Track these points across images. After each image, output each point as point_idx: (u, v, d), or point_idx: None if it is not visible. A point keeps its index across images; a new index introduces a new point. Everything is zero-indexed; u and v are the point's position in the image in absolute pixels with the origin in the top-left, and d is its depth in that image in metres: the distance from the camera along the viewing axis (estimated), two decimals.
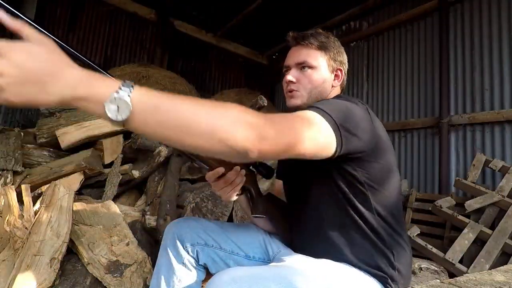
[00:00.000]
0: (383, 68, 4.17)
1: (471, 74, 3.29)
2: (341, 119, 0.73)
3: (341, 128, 0.72)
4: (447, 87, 3.42)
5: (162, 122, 0.52)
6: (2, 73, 0.44)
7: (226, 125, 0.54)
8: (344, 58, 1.03)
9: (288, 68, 0.99)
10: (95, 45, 4.55)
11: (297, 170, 0.98)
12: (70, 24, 4.37)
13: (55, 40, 0.52)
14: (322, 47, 0.97)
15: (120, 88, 0.50)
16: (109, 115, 0.48)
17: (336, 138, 0.71)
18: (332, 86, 1.00)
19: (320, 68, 0.96)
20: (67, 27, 4.35)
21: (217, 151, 0.56)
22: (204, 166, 0.80)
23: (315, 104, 0.76)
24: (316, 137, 0.68)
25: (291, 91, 0.96)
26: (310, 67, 0.95)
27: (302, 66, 0.96)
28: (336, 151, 0.72)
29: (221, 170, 0.80)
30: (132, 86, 0.51)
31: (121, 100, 0.49)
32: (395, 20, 4.04)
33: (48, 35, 0.52)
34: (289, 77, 0.96)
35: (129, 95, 0.49)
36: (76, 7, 4.43)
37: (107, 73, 0.59)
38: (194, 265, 0.97)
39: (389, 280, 0.82)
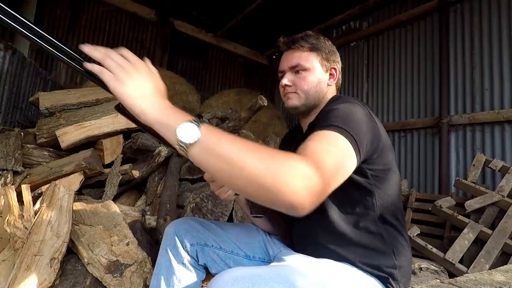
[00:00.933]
0: (383, 68, 4.17)
1: (471, 74, 3.29)
2: (357, 134, 0.73)
3: (359, 144, 0.73)
4: (447, 87, 3.42)
5: (220, 154, 0.55)
6: (131, 74, 0.60)
7: (275, 176, 0.54)
8: (337, 56, 1.03)
9: (283, 73, 1.00)
10: (95, 45, 4.54)
11: None
12: (70, 24, 4.38)
13: (51, 40, 0.58)
14: (314, 49, 0.97)
15: (191, 120, 0.57)
16: (179, 137, 0.55)
17: (356, 155, 0.72)
18: (328, 85, 1.00)
19: (314, 70, 0.97)
20: (67, 27, 4.35)
21: (265, 199, 0.56)
22: None
23: (333, 120, 0.75)
24: (345, 171, 0.69)
25: (287, 93, 0.98)
26: (304, 69, 0.96)
27: (296, 69, 0.97)
28: (354, 167, 0.74)
29: None
30: (201, 121, 0.58)
31: (191, 127, 0.56)
32: (395, 20, 4.04)
33: (46, 35, 0.58)
34: (285, 81, 0.97)
35: (197, 126, 0.56)
36: (76, 7, 4.43)
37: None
38: (194, 265, 0.97)
39: (390, 279, 0.83)
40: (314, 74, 0.97)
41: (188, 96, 4.61)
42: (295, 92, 0.97)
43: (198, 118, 0.59)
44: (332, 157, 0.65)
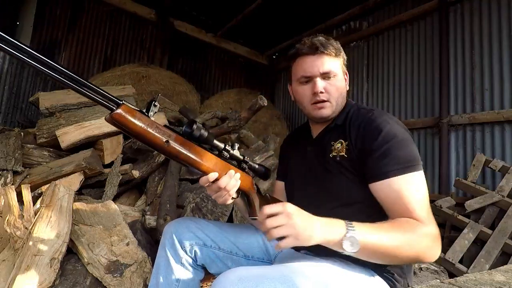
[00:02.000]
0: (383, 68, 4.17)
1: (471, 74, 3.29)
2: (416, 157, 0.85)
3: (420, 163, 0.85)
4: (447, 87, 3.42)
5: (377, 252, 0.73)
6: (292, 213, 0.70)
7: (423, 255, 0.75)
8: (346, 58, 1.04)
9: (310, 78, 0.95)
10: (95, 45, 4.55)
11: (306, 169, 0.99)
12: (70, 24, 4.37)
13: (49, 62, 0.60)
14: (338, 54, 0.97)
15: (347, 230, 0.71)
16: (346, 249, 0.70)
17: (423, 171, 0.85)
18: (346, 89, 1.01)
19: (339, 75, 0.97)
20: (67, 27, 4.35)
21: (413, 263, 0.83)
22: (198, 172, 0.79)
23: (394, 162, 0.82)
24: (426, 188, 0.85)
25: (321, 101, 0.94)
26: (334, 75, 0.95)
27: (328, 75, 0.94)
28: None
29: (214, 175, 0.79)
30: (353, 227, 0.71)
31: (352, 238, 0.70)
32: (395, 20, 4.04)
33: (50, 62, 0.61)
34: (319, 88, 0.93)
35: (354, 236, 0.70)
36: (76, 7, 4.42)
37: (115, 97, 0.68)
38: (193, 265, 0.97)
39: (396, 276, 0.83)
40: (341, 80, 0.97)
41: (188, 96, 4.61)
42: (327, 101, 0.94)
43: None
44: (427, 198, 0.82)
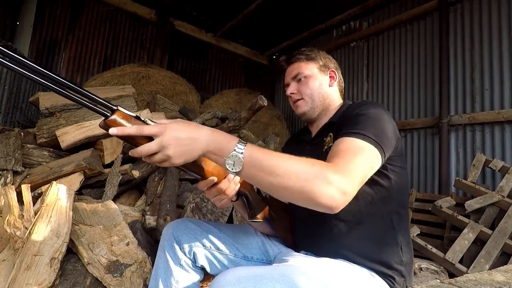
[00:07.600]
0: (383, 68, 4.17)
1: (471, 74, 3.29)
2: (379, 137, 0.80)
3: (382, 146, 0.80)
4: (447, 87, 3.42)
5: (263, 176, 0.67)
6: (167, 146, 0.64)
7: (313, 187, 0.66)
8: (334, 63, 1.12)
9: (288, 85, 1.10)
10: (95, 45, 4.55)
11: None
12: (70, 24, 4.37)
13: (48, 72, 0.60)
14: (310, 58, 1.08)
15: (237, 146, 0.67)
16: (228, 167, 0.67)
17: (380, 155, 0.79)
18: (330, 87, 1.08)
19: (313, 75, 1.06)
20: (67, 27, 4.35)
21: (306, 204, 0.69)
22: (197, 176, 0.78)
23: (355, 128, 0.80)
24: (371, 166, 0.78)
25: (295, 101, 1.07)
26: (305, 76, 1.06)
27: (298, 78, 1.07)
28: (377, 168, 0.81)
29: (213, 179, 0.78)
30: (245, 144, 0.68)
31: (237, 157, 0.66)
32: (395, 20, 4.04)
33: (47, 72, 0.60)
34: (289, 90, 1.08)
35: (242, 153, 0.66)
36: (76, 7, 4.43)
37: (107, 102, 0.67)
38: (192, 266, 0.96)
39: (396, 277, 0.84)
40: (315, 78, 1.06)
41: (188, 96, 4.60)
42: (301, 99, 1.06)
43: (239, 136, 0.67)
44: (361, 166, 0.74)
